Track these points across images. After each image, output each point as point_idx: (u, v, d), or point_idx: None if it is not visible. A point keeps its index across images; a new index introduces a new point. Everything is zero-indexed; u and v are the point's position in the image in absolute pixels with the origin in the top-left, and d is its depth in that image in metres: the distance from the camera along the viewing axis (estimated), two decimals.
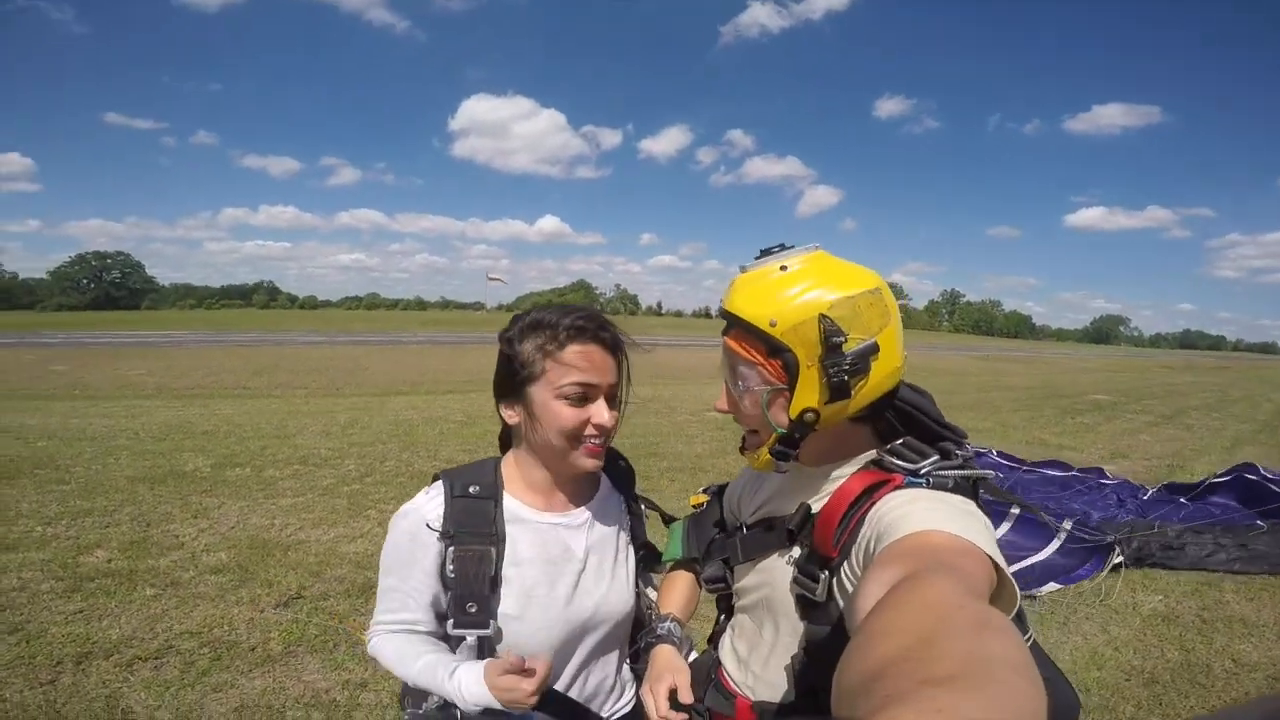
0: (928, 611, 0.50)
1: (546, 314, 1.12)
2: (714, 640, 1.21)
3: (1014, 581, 0.70)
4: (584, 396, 1.09)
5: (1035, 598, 3.89)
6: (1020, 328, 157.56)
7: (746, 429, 1.02)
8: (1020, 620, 0.77)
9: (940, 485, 0.87)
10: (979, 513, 0.83)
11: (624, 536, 1.27)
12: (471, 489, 1.13)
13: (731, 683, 1.09)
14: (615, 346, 1.14)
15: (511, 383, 1.12)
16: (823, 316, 0.87)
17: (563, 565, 1.16)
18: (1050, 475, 6.52)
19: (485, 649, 1.11)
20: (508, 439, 1.24)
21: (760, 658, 1.05)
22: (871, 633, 0.49)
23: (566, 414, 1.08)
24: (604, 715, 1.22)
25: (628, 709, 1.27)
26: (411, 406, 10.29)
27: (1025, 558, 4.33)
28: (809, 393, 0.91)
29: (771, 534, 1.04)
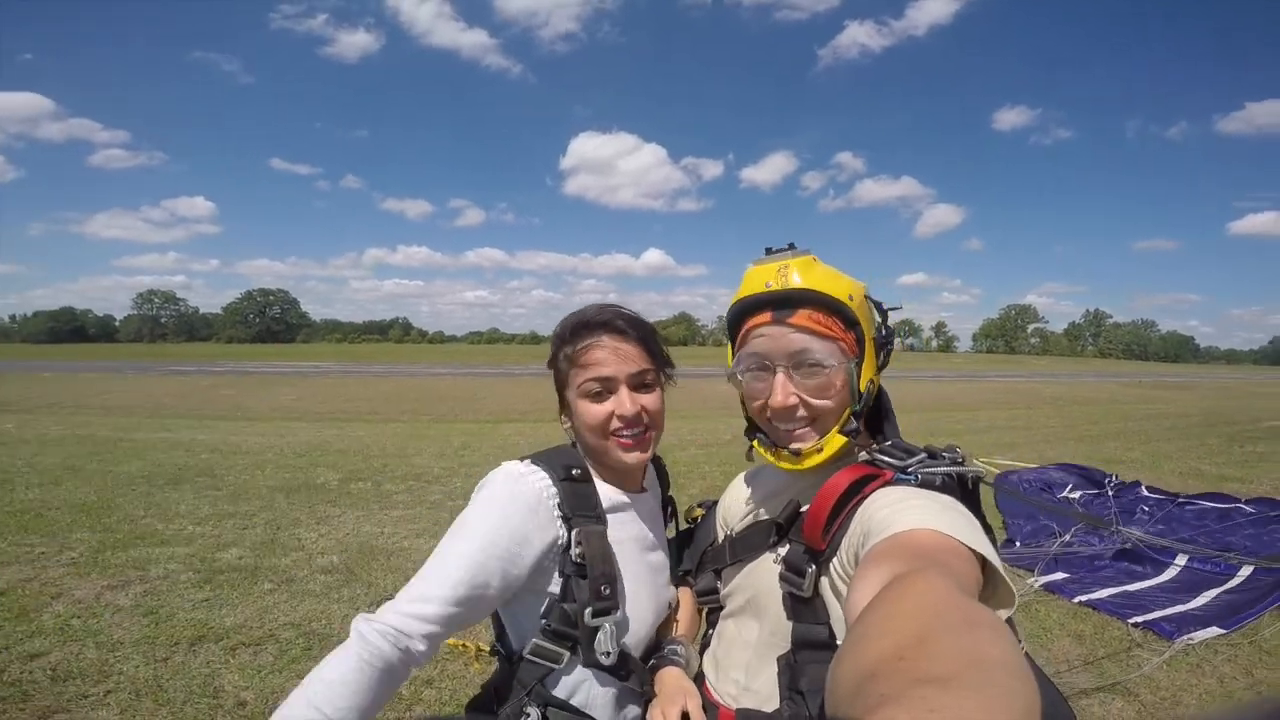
0: (920, 610, 0.50)
1: (565, 319, 1.15)
2: (700, 654, 1.20)
3: (1008, 579, 0.70)
4: (603, 390, 1.08)
5: (1189, 644, 3.32)
6: (1180, 350, 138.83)
7: (800, 423, 0.96)
8: (1010, 625, 0.74)
9: (928, 483, 0.86)
10: (966, 510, 0.82)
11: (663, 526, 1.28)
12: (574, 471, 1.08)
13: (714, 693, 1.07)
14: (634, 333, 1.11)
15: (559, 392, 1.15)
16: (867, 295, 0.98)
17: (644, 544, 1.16)
18: (1208, 508, 5.62)
19: (618, 637, 1.04)
20: None
21: (743, 663, 1.02)
22: (864, 632, 0.49)
23: (591, 410, 1.08)
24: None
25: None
26: (519, 433, 10.73)
27: (1181, 603, 3.81)
28: (870, 365, 0.97)
29: (759, 533, 1.03)
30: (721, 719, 1.02)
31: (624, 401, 1.07)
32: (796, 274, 0.94)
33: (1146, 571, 4.29)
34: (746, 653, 1.02)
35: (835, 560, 0.87)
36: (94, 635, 3.11)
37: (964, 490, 0.87)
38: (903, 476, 0.87)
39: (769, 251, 0.99)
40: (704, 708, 1.04)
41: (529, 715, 1.02)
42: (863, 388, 0.95)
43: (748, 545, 1.05)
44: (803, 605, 0.91)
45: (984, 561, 0.69)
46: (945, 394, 23.45)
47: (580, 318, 1.12)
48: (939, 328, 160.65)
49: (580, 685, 1.06)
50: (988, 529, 0.81)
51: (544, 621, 1.03)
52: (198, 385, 20.37)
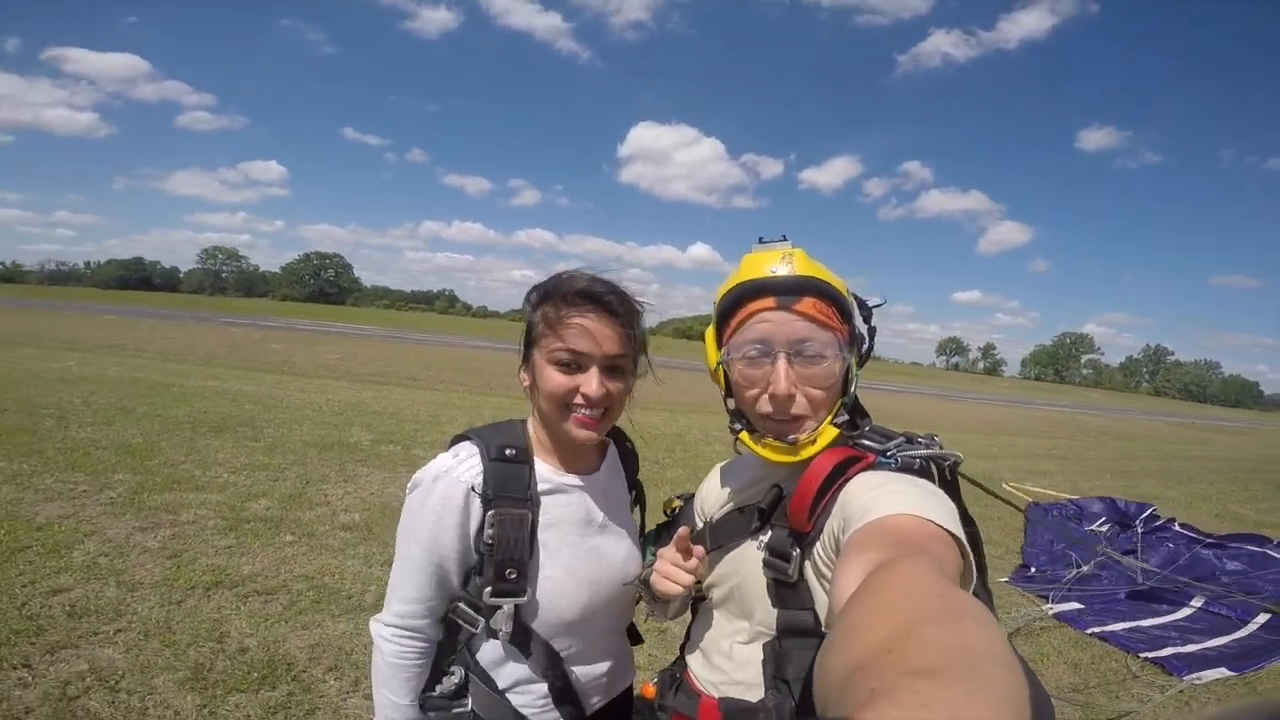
0: (907, 600, 0.49)
1: (559, 278, 1.11)
2: (683, 648, 1.18)
3: (973, 561, 0.71)
4: (574, 364, 1.06)
5: (1195, 684, 3.25)
6: (1243, 394, 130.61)
7: (792, 413, 0.94)
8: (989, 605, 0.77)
9: (908, 466, 0.87)
10: (944, 495, 0.82)
11: (627, 508, 1.27)
12: (508, 451, 1.10)
13: (696, 682, 1.05)
14: (623, 316, 1.09)
15: (525, 345, 1.13)
16: (850, 292, 0.98)
17: (586, 528, 1.16)
18: (1238, 550, 5.29)
19: (521, 618, 1.09)
20: None
21: (725, 651, 1.01)
22: (851, 624, 0.49)
23: (555, 379, 1.06)
24: (616, 686, 1.25)
25: (628, 685, 1.30)
26: None
27: (1194, 642, 3.72)
28: (854, 360, 0.97)
29: (741, 518, 1.02)
30: (704, 708, 1.00)
31: (592, 382, 1.06)
32: (800, 263, 0.94)
33: (1162, 609, 4.20)
34: (730, 641, 1.01)
35: (818, 545, 0.87)
36: (117, 574, 3.19)
37: (942, 477, 0.89)
38: (883, 460, 0.89)
39: (762, 241, 0.99)
40: (685, 696, 1.05)
41: (454, 674, 1.12)
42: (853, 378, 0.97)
43: (729, 532, 1.04)
44: (787, 591, 0.90)
45: (962, 547, 0.70)
46: (986, 417, 22.83)
47: (573, 284, 1.08)
48: (988, 349, 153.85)
49: (495, 654, 1.12)
50: (966, 517, 0.80)
51: (463, 590, 1.10)
52: (250, 338, 21.10)
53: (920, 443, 0.92)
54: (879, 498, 0.77)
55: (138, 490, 4.45)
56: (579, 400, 1.07)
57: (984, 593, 0.80)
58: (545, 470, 1.13)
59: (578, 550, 1.13)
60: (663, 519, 1.29)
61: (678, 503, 1.26)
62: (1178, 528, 6.04)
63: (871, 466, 0.88)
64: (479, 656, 1.12)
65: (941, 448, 0.91)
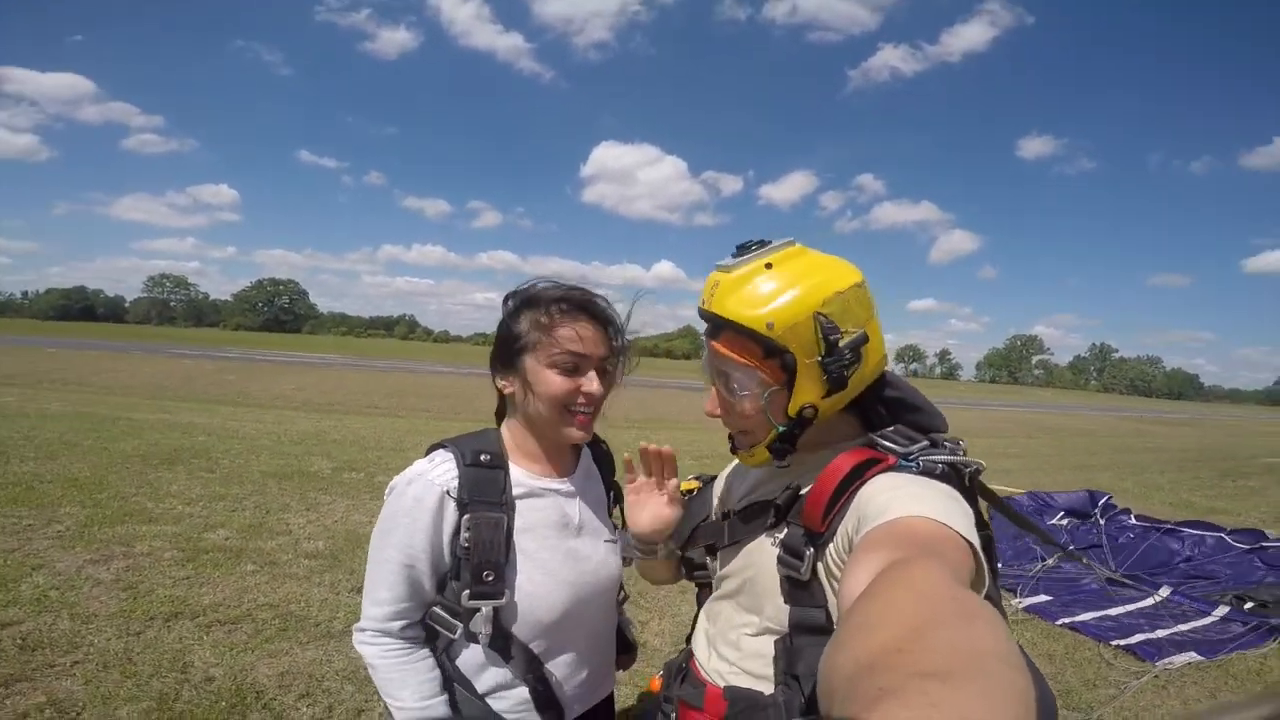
0: (919, 601, 0.49)
1: (541, 290, 1.16)
2: (690, 639, 1.18)
3: (987, 567, 0.71)
4: (575, 367, 1.12)
5: (1169, 668, 3.37)
6: (1185, 388, 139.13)
7: (736, 430, 1.01)
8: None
9: (929, 470, 0.86)
10: (963, 500, 0.82)
11: (605, 509, 1.31)
12: (483, 457, 1.13)
13: (702, 671, 1.05)
14: (606, 321, 1.17)
15: (508, 353, 1.16)
16: (818, 314, 0.88)
17: (563, 530, 1.19)
18: (1192, 535, 5.61)
19: (501, 621, 1.11)
20: (503, 413, 1.27)
21: (733, 642, 1.01)
22: (861, 622, 0.49)
23: (558, 382, 1.12)
24: (597, 692, 1.28)
25: (608, 693, 1.33)
26: None
27: (1163, 628, 3.86)
28: (808, 389, 0.91)
29: (759, 515, 1.01)
30: (709, 696, 1.01)
31: (592, 382, 1.13)
32: (722, 295, 0.91)
33: (1130, 596, 4.34)
34: (738, 632, 1.01)
35: (832, 544, 0.86)
36: (70, 607, 3.08)
37: (961, 483, 0.87)
38: (905, 463, 0.87)
39: (739, 249, 0.94)
40: (691, 685, 1.06)
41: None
42: (793, 411, 0.92)
43: (745, 527, 1.03)
44: (800, 589, 0.90)
45: (975, 551, 0.70)
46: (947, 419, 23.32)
47: (565, 293, 1.15)
48: (943, 355, 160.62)
49: (475, 659, 1.14)
50: (981, 522, 0.81)
51: (439, 595, 1.12)
52: (202, 369, 20.43)
53: (945, 447, 0.90)
54: (895, 500, 0.77)
55: (87, 523, 4.28)
56: (581, 401, 1.13)
57: (996, 597, 0.82)
58: (520, 475, 1.17)
59: (555, 552, 1.15)
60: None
61: (696, 483, 1.27)
62: (1132, 518, 6.30)
63: (891, 468, 0.87)
64: (459, 663, 1.13)
65: (965, 453, 0.90)
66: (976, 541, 0.71)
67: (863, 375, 0.92)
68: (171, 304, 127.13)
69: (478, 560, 1.07)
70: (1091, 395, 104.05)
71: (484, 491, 1.11)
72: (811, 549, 0.88)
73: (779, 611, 0.93)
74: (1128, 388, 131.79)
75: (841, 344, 0.88)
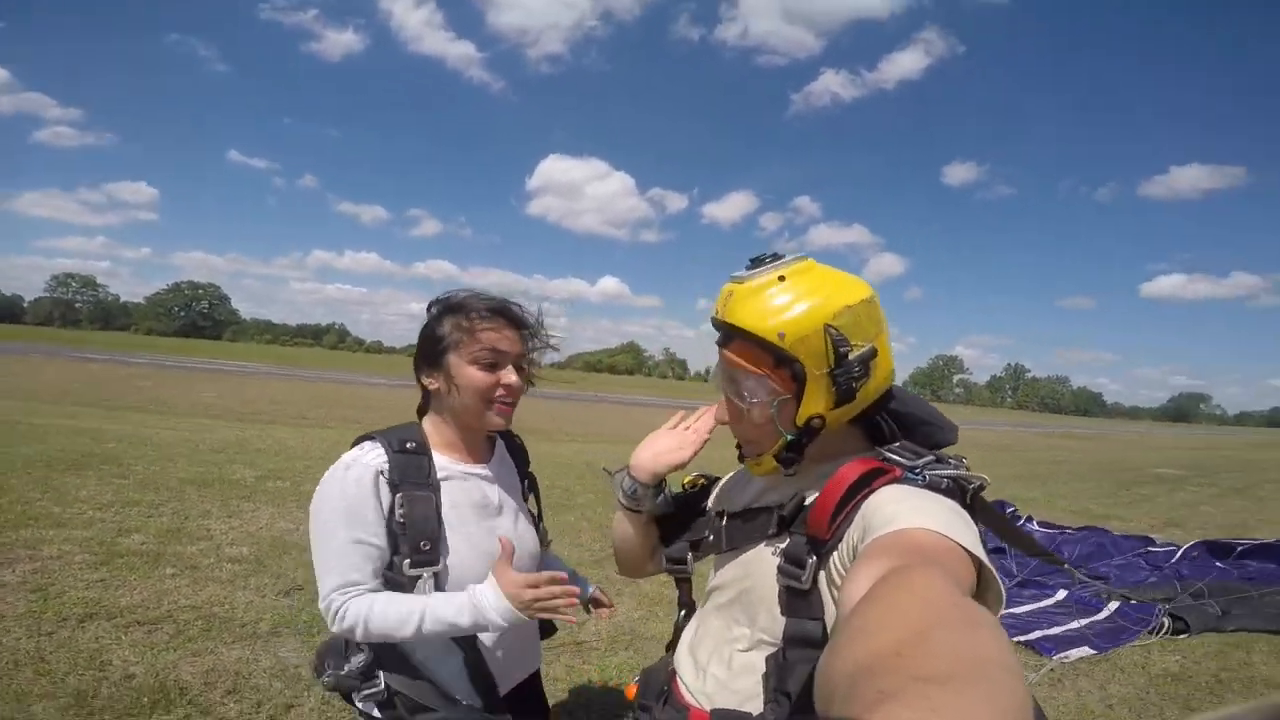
0: (921, 606, 0.50)
1: (463, 297, 1.32)
2: (671, 648, 1.18)
3: (999, 582, 0.72)
4: (494, 363, 1.28)
5: (1064, 661, 3.66)
6: (1090, 405, 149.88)
7: (745, 439, 1.03)
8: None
9: (934, 485, 0.87)
10: (966, 515, 0.84)
11: (520, 494, 1.48)
12: (408, 445, 1.27)
13: (686, 694, 1.03)
14: (520, 323, 1.34)
15: (433, 353, 1.30)
16: (829, 327, 0.90)
17: (484, 509, 1.35)
18: (1088, 539, 6.28)
19: (439, 585, 1.24)
20: (424, 410, 1.41)
21: (724, 660, 1.00)
22: (861, 626, 0.49)
23: (480, 377, 1.28)
24: (527, 664, 1.45)
25: (535, 668, 1.50)
26: None
27: (1060, 624, 4.19)
28: (816, 400, 0.93)
29: (761, 522, 1.01)
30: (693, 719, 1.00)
31: (511, 375, 1.30)
32: (736, 305, 0.94)
33: (1032, 595, 4.70)
34: (730, 648, 1.00)
35: (836, 553, 0.87)
36: None
37: (963, 499, 0.89)
38: (911, 476, 0.88)
39: (753, 261, 0.96)
40: (674, 709, 1.04)
41: (362, 651, 1.25)
42: (801, 421, 0.94)
43: (747, 533, 1.03)
44: (798, 599, 0.90)
45: (979, 566, 0.71)
46: None
47: (486, 300, 1.32)
48: None
49: None
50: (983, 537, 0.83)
51: (386, 570, 1.24)
52: (113, 374, 19.19)
53: (950, 463, 0.91)
54: (901, 511, 0.78)
55: None
56: (500, 392, 1.30)
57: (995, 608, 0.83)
58: (443, 460, 1.32)
59: (479, 529, 1.30)
60: (561, 504, 1.50)
61: (701, 480, 1.27)
62: (1035, 525, 6.96)
63: (898, 480, 0.88)
64: None
65: (968, 470, 0.92)
66: (983, 556, 0.72)
67: (870, 389, 0.94)
68: (77, 305, 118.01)
69: (414, 532, 1.21)
70: (1007, 412, 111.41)
71: (412, 474, 1.24)
72: (814, 557, 0.88)
73: (773, 623, 0.93)
74: (1039, 405, 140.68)
75: (851, 356, 0.90)
